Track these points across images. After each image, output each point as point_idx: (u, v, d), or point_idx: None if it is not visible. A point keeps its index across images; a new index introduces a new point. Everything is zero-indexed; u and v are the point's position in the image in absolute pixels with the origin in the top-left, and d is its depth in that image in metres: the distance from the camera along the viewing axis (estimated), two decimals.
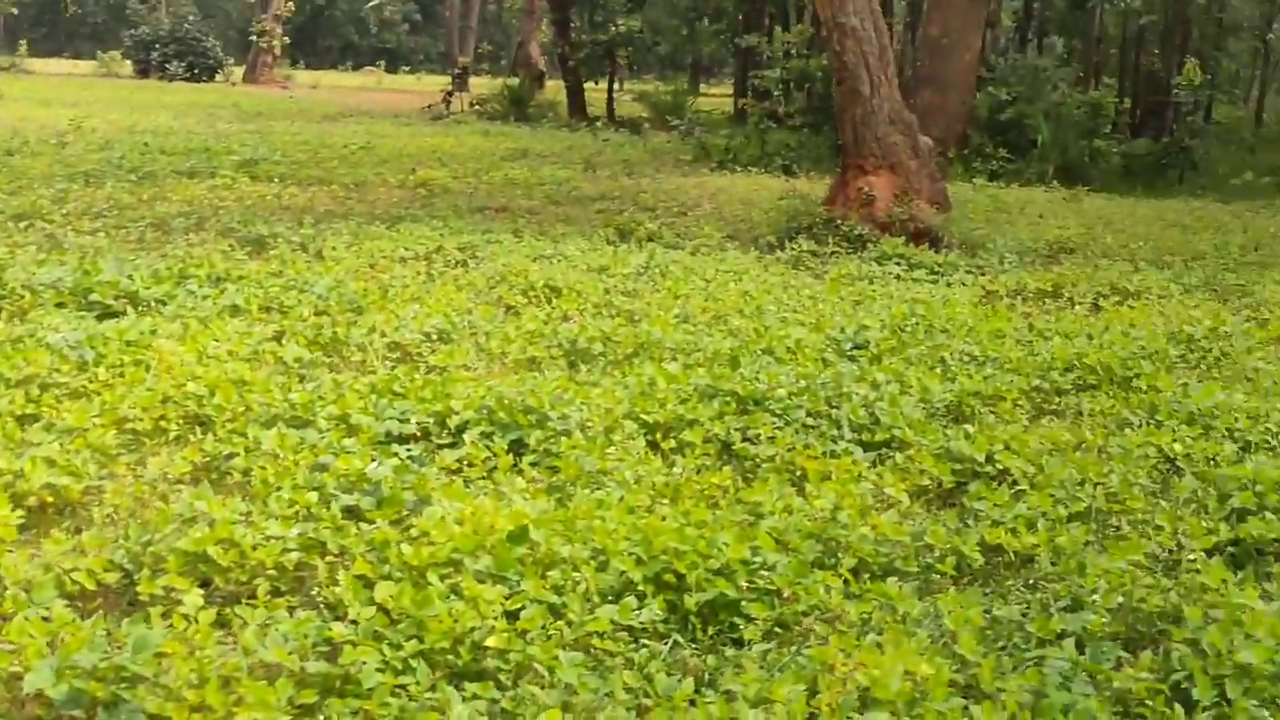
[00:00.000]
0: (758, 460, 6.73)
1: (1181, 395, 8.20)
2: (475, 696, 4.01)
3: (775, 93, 31.15)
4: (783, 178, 23.40)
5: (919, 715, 3.97)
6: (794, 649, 4.57)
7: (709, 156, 26.87)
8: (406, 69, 79.42)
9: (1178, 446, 7.26)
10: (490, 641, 4.20)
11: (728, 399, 7.48)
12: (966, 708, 4.09)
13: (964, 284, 13.08)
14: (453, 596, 4.50)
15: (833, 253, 14.40)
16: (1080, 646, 4.69)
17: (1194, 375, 9.20)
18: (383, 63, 77.38)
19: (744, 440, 6.98)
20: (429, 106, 39.15)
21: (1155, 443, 7.28)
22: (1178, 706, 4.22)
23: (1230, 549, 5.89)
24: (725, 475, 6.30)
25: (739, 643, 4.66)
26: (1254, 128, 40.31)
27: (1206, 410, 7.86)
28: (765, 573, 4.98)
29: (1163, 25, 36.66)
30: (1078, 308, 11.98)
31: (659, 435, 7.00)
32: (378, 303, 10.06)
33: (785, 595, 4.94)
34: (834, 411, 7.41)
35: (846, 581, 5.15)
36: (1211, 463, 7.01)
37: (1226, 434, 7.59)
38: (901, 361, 8.93)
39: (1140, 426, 7.68)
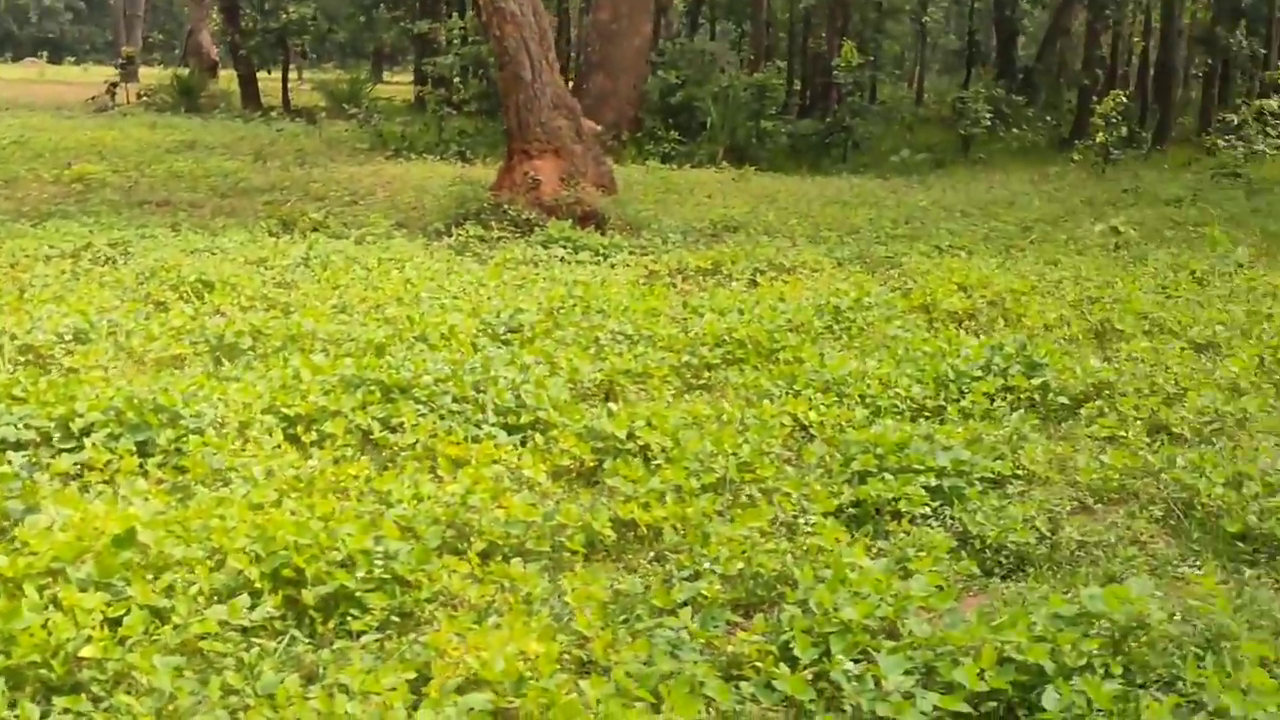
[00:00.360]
0: (397, 449, 6.67)
1: (819, 365, 8.50)
2: (66, 710, 3.84)
3: (455, 79, 31.01)
4: (459, 164, 23.33)
5: (524, 694, 3.99)
6: (411, 637, 4.54)
7: (386, 145, 26.53)
8: (71, 60, 75.67)
9: (813, 414, 7.54)
10: (85, 652, 4.03)
11: (373, 388, 7.39)
12: (577, 682, 4.13)
13: (627, 265, 13.26)
14: (51, 607, 4.30)
15: (499, 238, 14.42)
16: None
17: (838, 345, 9.54)
18: (45, 54, 73.65)
19: (386, 429, 6.91)
20: (93, 98, 37.43)
21: (791, 411, 7.53)
22: (783, 665, 4.36)
23: (852, 510, 6.13)
24: (362, 465, 6.21)
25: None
26: (914, 107, 42.12)
27: (841, 378, 8.16)
28: (389, 562, 4.92)
29: (827, 9, 37.91)
30: (735, 284, 12.28)
31: (300, 428, 6.86)
32: (13, 304, 9.57)
33: (410, 583, 4.90)
34: (480, 396, 7.39)
35: (476, 565, 5.15)
36: (840, 429, 7.28)
37: (859, 400, 7.91)
38: (554, 343, 8.99)
39: (780, 397, 7.92)
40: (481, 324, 9.44)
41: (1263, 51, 35.45)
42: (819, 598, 4.71)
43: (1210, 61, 32.95)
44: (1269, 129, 26.84)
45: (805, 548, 5.46)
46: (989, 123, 30.29)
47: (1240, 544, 5.95)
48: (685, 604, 4.87)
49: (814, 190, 21.68)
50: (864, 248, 14.64)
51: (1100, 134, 25.80)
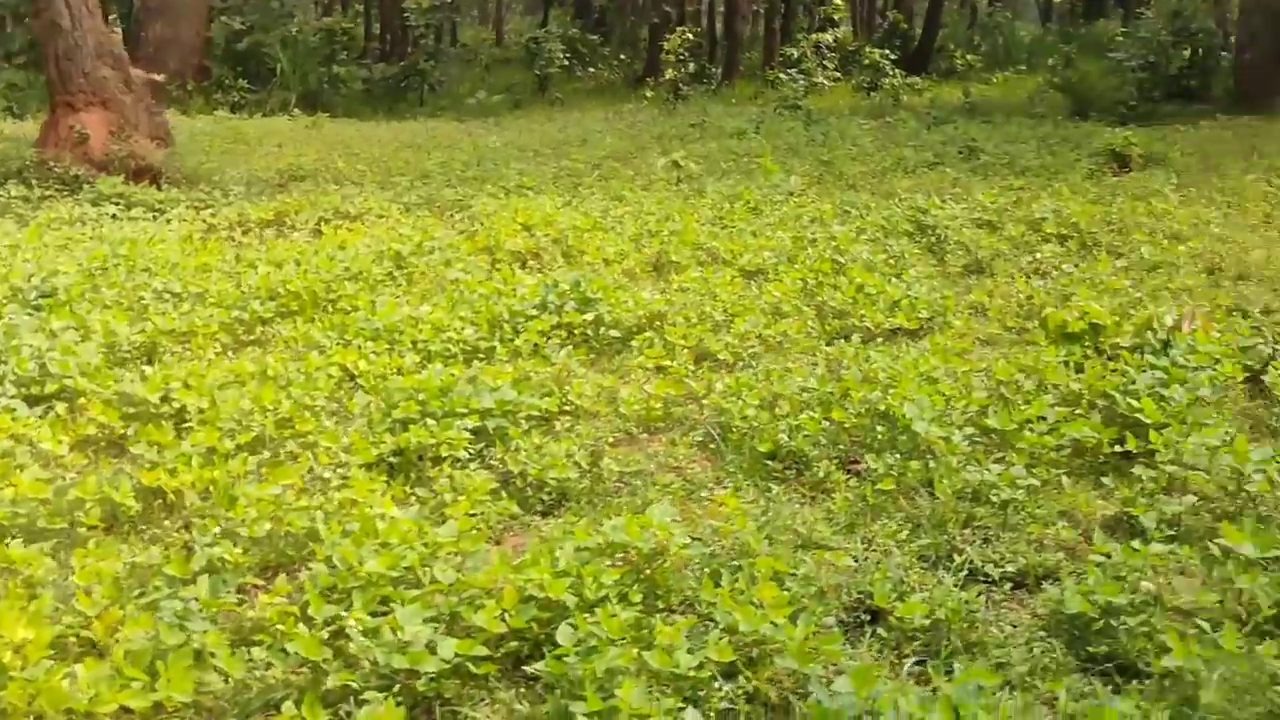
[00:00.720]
0: None
1: (371, 313, 8.34)
2: None
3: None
4: (8, 120, 21.83)
5: (6, 685, 3.71)
6: None
7: None
8: None
9: (362, 364, 7.37)
10: None
11: None
12: (73, 666, 3.88)
13: (184, 220, 12.67)
14: None
15: (44, 197, 13.54)
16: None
17: (398, 291, 9.39)
18: None
19: None
20: None
21: (340, 362, 7.35)
22: (304, 626, 4.22)
23: (393, 459, 6.03)
24: None
25: None
26: (494, 48, 42.10)
27: (393, 325, 8.03)
28: None
29: None
30: (298, 234, 11.94)
31: None
32: None
33: None
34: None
35: None
36: (384, 377, 7.14)
37: (411, 346, 7.79)
38: (91, 306, 8.48)
39: (330, 348, 7.72)
40: (10, 290, 8.81)
41: None
42: (343, 553, 4.59)
43: None
44: (825, 62, 28.18)
45: (338, 502, 5.32)
46: (565, 62, 30.63)
47: (771, 462, 6.17)
48: (205, 572, 4.65)
49: (389, 135, 21.37)
50: (434, 191, 14.49)
51: (670, 70, 26.47)
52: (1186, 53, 24.46)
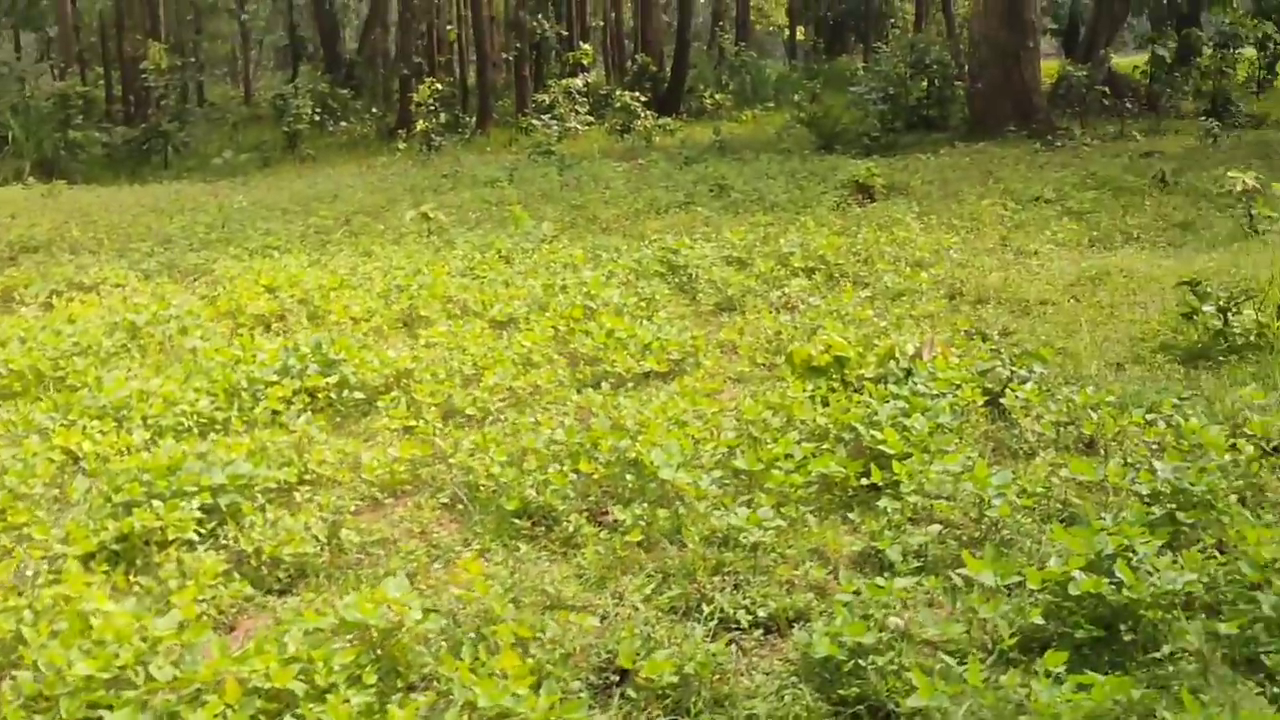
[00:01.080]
0: None
1: (98, 389, 7.90)
2: None
3: None
4: None
5: None
6: None
7: None
8: None
9: (87, 445, 6.95)
10: None
11: None
12: None
13: None
14: None
15: None
16: None
17: (132, 364, 8.94)
18: None
19: None
20: None
21: (61, 445, 6.92)
22: None
23: (116, 546, 5.66)
24: None
25: None
26: (243, 106, 41.24)
27: (121, 401, 7.61)
28: None
29: (137, 10, 36.16)
30: (27, 309, 11.34)
31: None
32: None
33: None
34: None
35: None
36: (106, 458, 6.75)
37: (141, 423, 7.39)
38: None
39: (52, 429, 7.27)
40: None
41: (565, 33, 37.30)
42: (51, 656, 4.25)
43: (519, 45, 34.23)
44: (578, 107, 28.32)
45: (49, 599, 4.95)
46: (315, 118, 30.12)
47: (519, 520, 5.99)
48: None
49: (130, 200, 20.59)
50: (175, 257, 13.96)
51: (422, 122, 26.23)
52: (924, 84, 25.31)
